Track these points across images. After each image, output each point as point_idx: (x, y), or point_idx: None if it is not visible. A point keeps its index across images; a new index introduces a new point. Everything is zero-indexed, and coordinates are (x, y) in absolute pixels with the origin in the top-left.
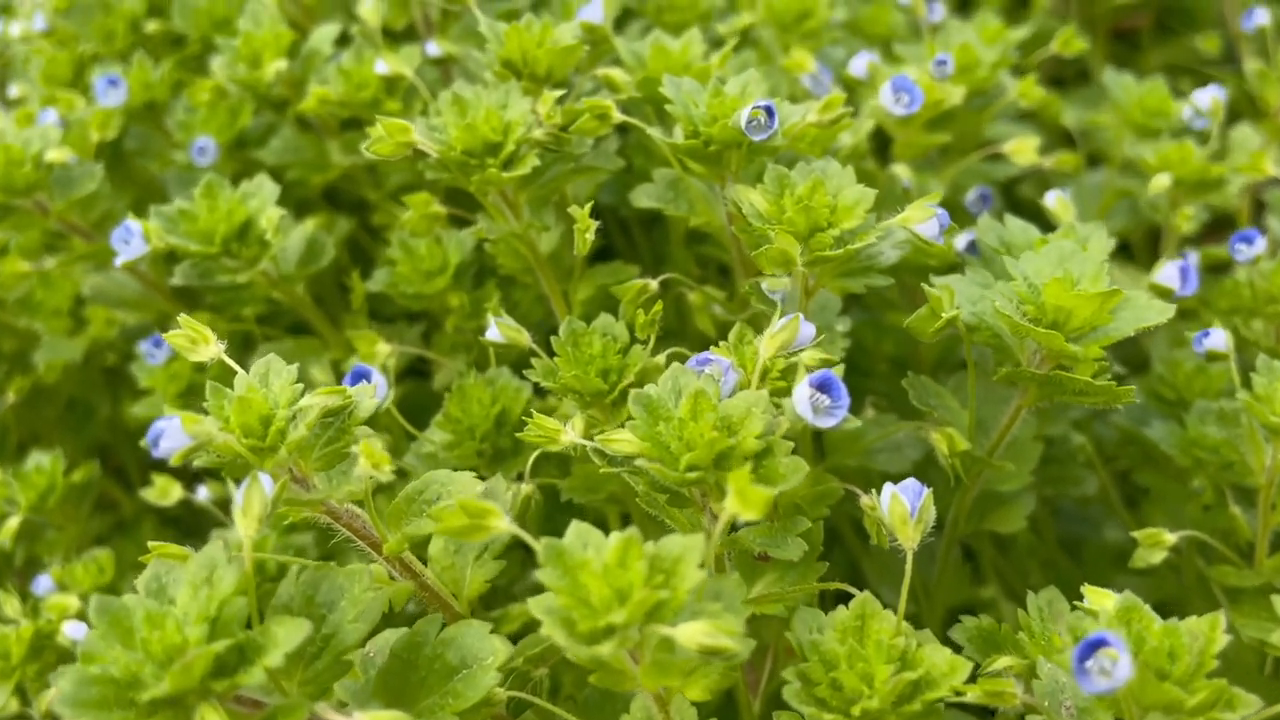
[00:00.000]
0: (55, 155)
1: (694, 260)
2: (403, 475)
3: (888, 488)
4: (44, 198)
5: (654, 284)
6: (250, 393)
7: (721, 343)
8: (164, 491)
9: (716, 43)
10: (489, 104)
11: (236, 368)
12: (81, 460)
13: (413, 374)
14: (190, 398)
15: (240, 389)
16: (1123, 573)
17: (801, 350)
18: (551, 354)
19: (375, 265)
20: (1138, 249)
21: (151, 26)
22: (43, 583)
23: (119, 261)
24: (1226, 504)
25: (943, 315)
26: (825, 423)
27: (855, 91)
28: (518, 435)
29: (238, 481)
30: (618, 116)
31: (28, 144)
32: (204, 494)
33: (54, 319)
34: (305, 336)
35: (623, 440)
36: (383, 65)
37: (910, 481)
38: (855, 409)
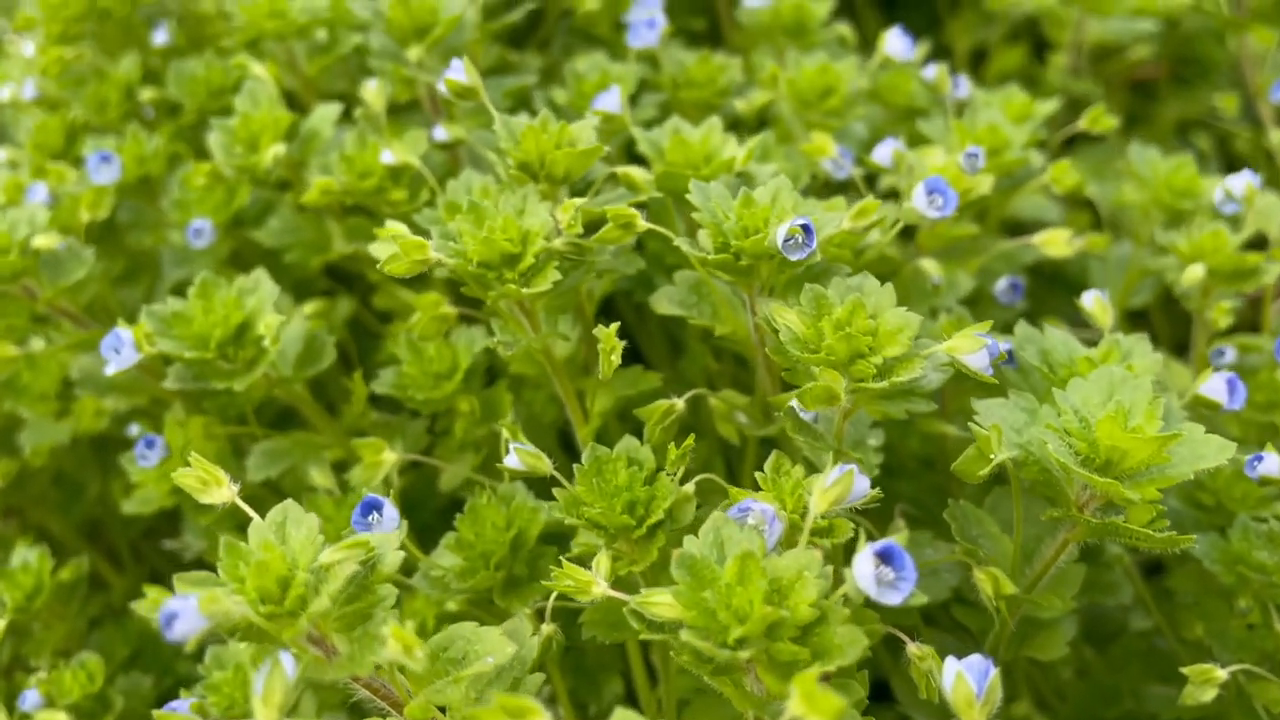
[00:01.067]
0: (43, 241)
1: (710, 351)
2: (408, 590)
3: (951, 664)
4: (32, 283)
5: (680, 404)
6: (267, 551)
7: (758, 474)
8: (155, 604)
9: (734, 121)
10: (505, 211)
11: (253, 514)
12: (69, 539)
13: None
14: (182, 495)
15: (257, 547)
16: (1158, 679)
17: (853, 504)
18: (568, 454)
19: (377, 342)
20: (1155, 315)
21: (146, 95)
22: (30, 697)
23: (109, 371)
24: (1273, 624)
25: (992, 458)
26: (890, 598)
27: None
28: (546, 585)
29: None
30: (643, 225)
31: (14, 228)
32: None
33: (40, 403)
34: (302, 431)
35: (664, 604)
36: (389, 155)
37: (975, 659)
38: (884, 516)
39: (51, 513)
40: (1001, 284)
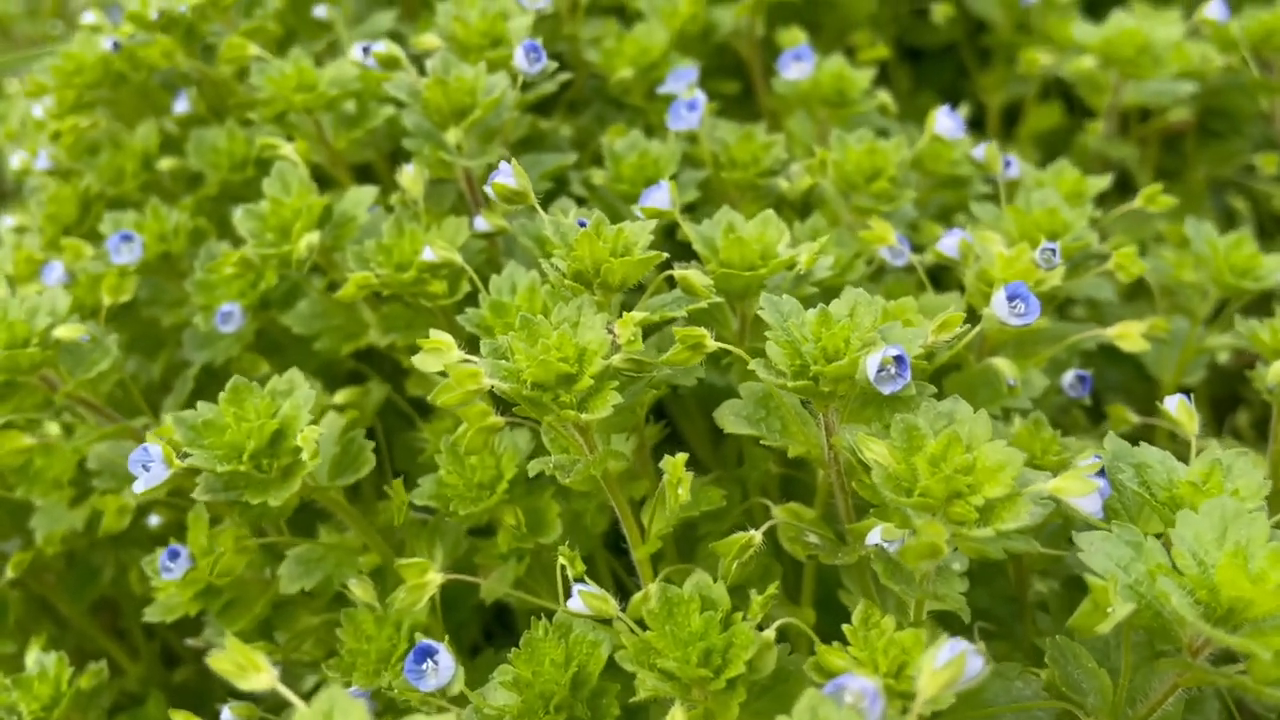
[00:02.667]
0: (64, 332)
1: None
2: None
3: None
4: (52, 374)
5: (758, 538)
6: None
7: (846, 627)
8: None
9: (779, 200)
10: (559, 325)
11: (295, 700)
12: (81, 620)
13: None
14: (208, 597)
15: None
16: None
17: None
18: (621, 554)
19: (408, 424)
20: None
21: (165, 164)
22: None
23: (138, 489)
24: None
25: (1109, 612)
26: None
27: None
28: None
29: None
30: (713, 345)
31: (33, 316)
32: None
33: (54, 490)
34: (334, 530)
35: None
36: (430, 254)
37: None
38: (958, 621)
39: (63, 593)
40: (1069, 377)
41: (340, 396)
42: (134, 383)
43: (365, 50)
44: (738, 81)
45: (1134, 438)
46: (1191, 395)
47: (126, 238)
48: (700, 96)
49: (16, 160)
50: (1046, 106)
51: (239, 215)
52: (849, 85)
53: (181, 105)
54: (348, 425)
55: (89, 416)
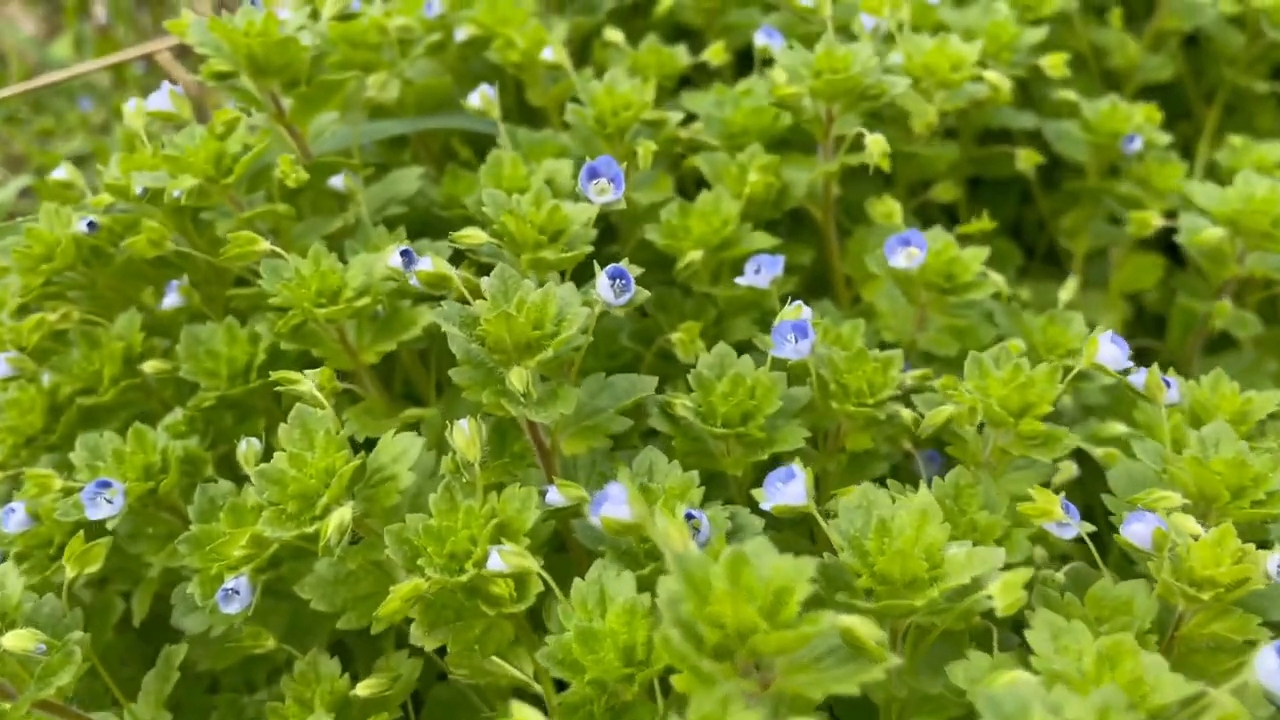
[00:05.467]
0: (13, 643)
1: None
2: None
3: None
4: (5, 682)
5: None
6: None
7: None
8: None
9: (900, 432)
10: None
11: None
12: None
13: None
14: None
15: None
16: None
17: None
18: None
19: None
20: None
21: (150, 366)
22: None
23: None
24: None
25: None
26: None
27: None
28: None
29: None
30: None
31: None
32: None
33: None
34: None
35: None
36: (496, 560)
37: None
38: None
39: None
40: None
41: (365, 689)
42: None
43: (406, 258)
44: (811, 248)
45: None
46: None
47: (104, 485)
48: (807, 314)
49: None
50: (1144, 259)
51: (255, 480)
52: (960, 269)
53: (172, 299)
54: None
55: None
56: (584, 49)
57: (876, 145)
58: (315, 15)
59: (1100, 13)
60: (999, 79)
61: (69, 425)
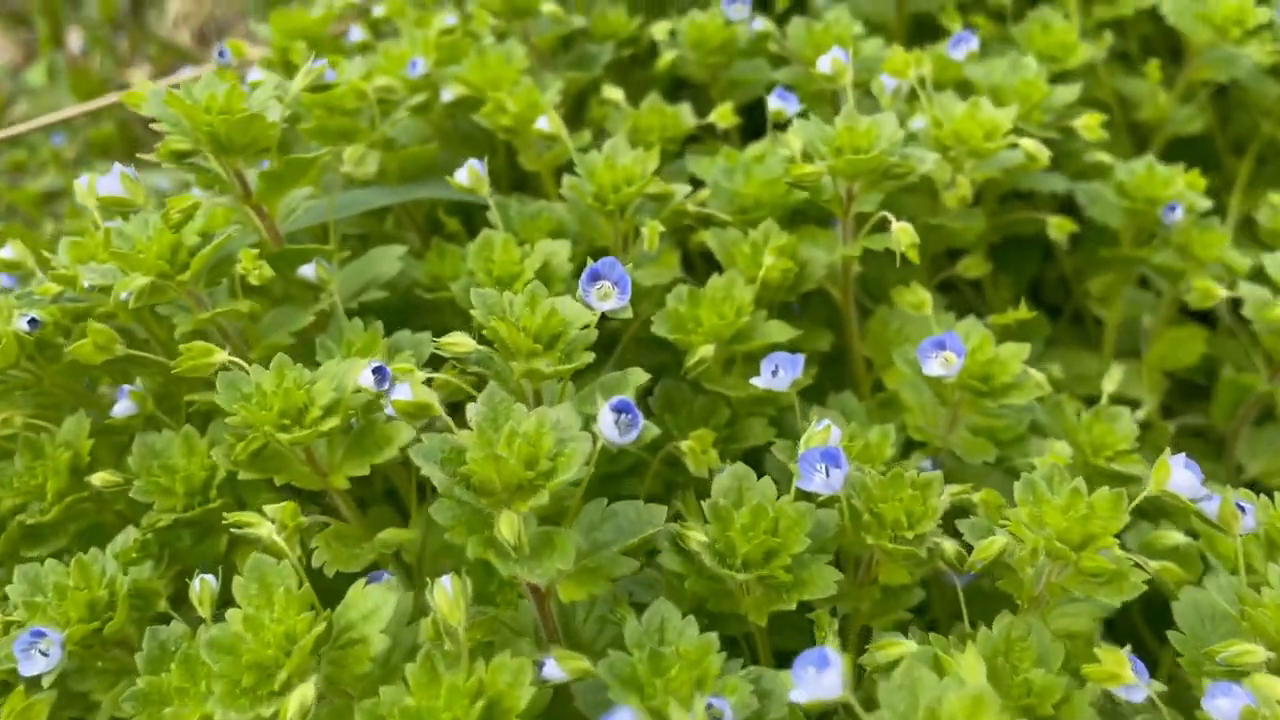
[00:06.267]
0: None
1: None
2: None
3: None
4: None
5: None
6: None
7: None
8: None
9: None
10: None
11: None
12: None
13: None
14: None
15: None
16: None
17: None
18: None
19: None
20: None
21: (99, 478)
22: None
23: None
24: None
25: None
26: None
27: None
28: None
29: None
30: None
31: None
32: None
33: None
34: None
35: None
36: None
37: None
38: None
39: None
40: None
41: None
42: None
43: (379, 376)
44: (829, 331)
45: None
46: None
47: (39, 635)
48: (837, 436)
49: None
50: (1183, 330)
51: (205, 651)
52: (998, 369)
53: (123, 406)
54: None
55: None
56: (580, 105)
57: (904, 235)
58: (290, 74)
59: (1124, 59)
60: (1036, 148)
61: (9, 544)
